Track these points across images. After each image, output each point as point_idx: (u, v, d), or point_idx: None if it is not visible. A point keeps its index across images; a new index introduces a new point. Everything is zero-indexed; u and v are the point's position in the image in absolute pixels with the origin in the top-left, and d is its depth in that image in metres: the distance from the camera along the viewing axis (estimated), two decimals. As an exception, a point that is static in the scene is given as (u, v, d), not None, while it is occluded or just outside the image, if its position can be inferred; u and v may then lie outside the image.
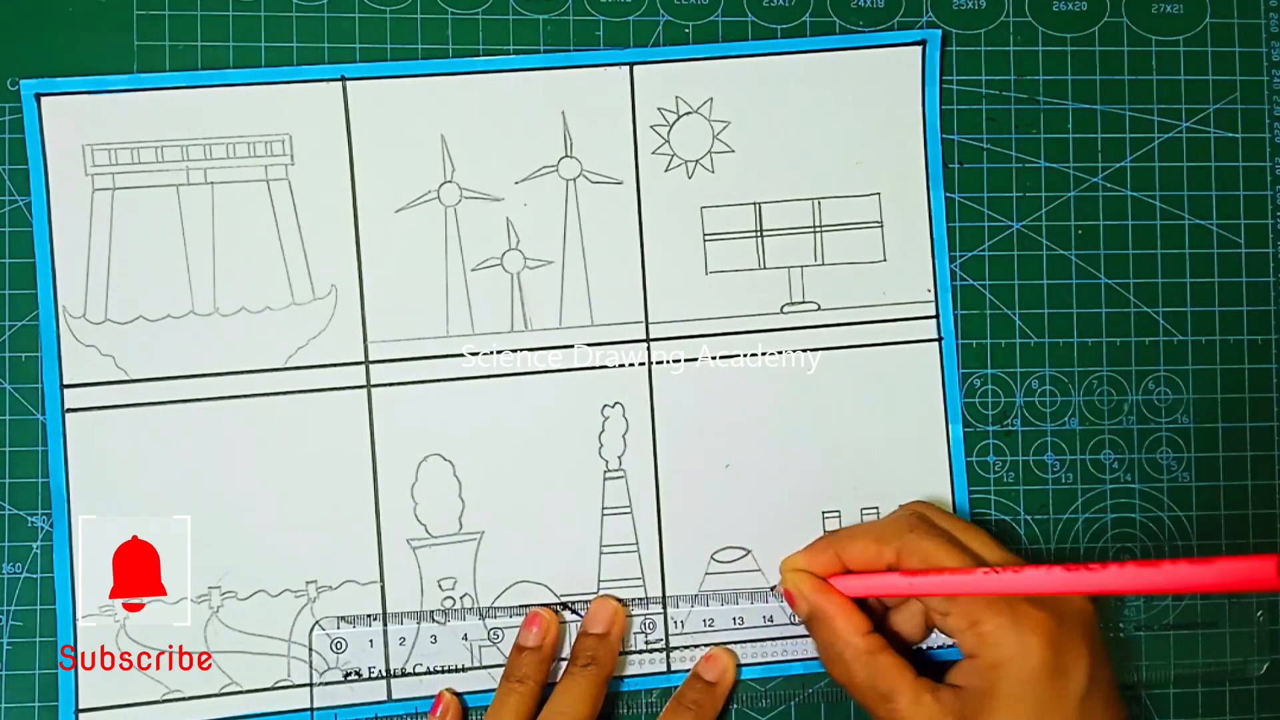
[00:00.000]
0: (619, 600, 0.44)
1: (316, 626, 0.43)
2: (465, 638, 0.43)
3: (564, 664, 0.43)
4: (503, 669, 0.43)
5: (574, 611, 0.43)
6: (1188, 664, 0.45)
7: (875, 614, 0.41)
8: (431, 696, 0.43)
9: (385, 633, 0.43)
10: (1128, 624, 0.45)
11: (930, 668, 0.39)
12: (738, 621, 0.44)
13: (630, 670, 0.44)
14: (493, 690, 0.43)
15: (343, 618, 0.43)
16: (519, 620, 0.43)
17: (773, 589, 0.44)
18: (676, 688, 0.44)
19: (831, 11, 0.45)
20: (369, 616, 0.43)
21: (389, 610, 0.43)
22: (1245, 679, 0.45)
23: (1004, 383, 0.46)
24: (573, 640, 0.43)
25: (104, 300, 0.43)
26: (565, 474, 0.44)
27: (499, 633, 0.43)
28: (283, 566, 0.43)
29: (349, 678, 0.43)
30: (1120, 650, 0.45)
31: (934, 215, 0.45)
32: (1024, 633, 0.36)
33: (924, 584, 0.38)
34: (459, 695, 0.43)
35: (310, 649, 0.43)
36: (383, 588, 0.43)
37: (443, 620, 0.43)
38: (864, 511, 0.45)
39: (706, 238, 0.45)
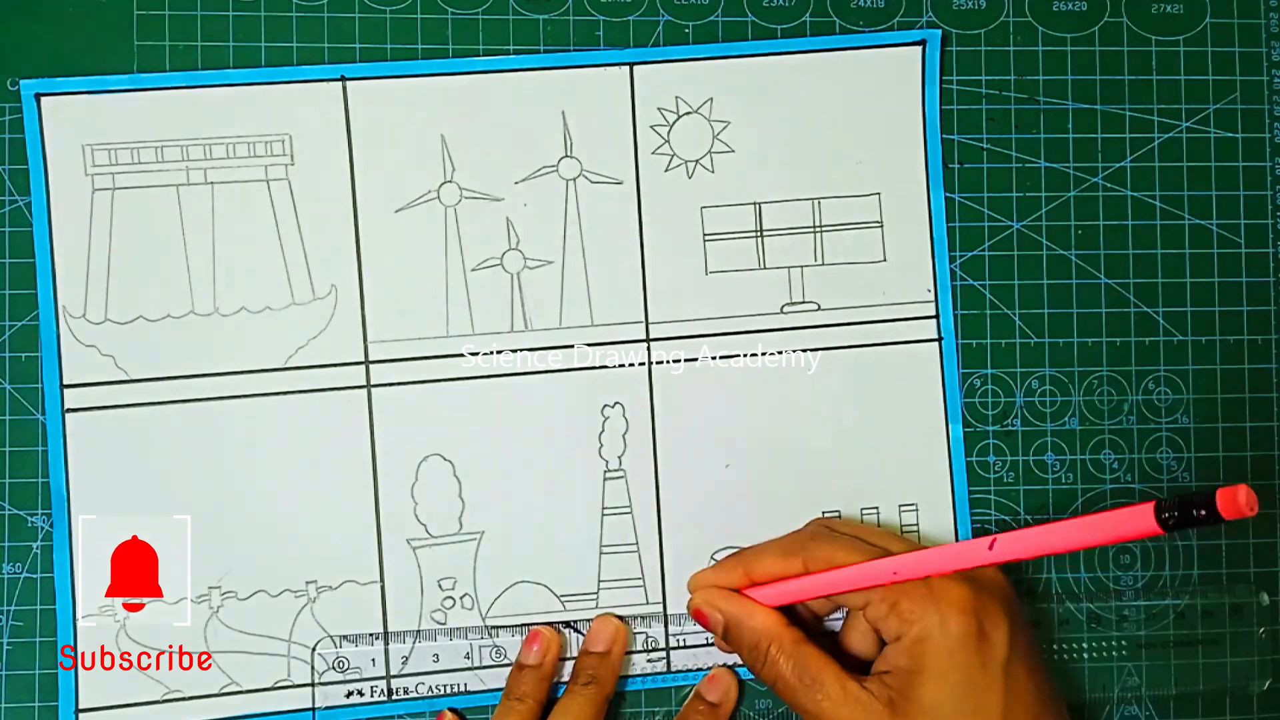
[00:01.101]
0: (621, 619, 0.44)
1: (317, 650, 0.43)
2: (467, 656, 0.43)
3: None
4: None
5: (576, 630, 0.43)
6: (1188, 683, 0.45)
7: (821, 637, 0.41)
8: (432, 699, 0.43)
9: (386, 652, 0.43)
10: (1130, 643, 0.45)
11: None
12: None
13: (631, 671, 0.44)
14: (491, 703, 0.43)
15: (345, 636, 0.43)
16: (520, 639, 0.43)
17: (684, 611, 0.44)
18: (677, 688, 0.44)
19: (831, 11, 0.45)
20: (371, 636, 0.43)
21: (390, 611, 0.43)
22: (1246, 694, 0.45)
23: (1004, 383, 0.46)
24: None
25: (104, 300, 0.43)
26: (565, 474, 0.44)
27: (501, 651, 0.43)
28: (283, 566, 0.43)
29: (350, 696, 0.43)
30: (1122, 665, 0.45)
31: (934, 215, 0.45)
32: (942, 606, 0.36)
33: (829, 580, 0.38)
34: (460, 714, 0.43)
35: (312, 668, 0.43)
36: (383, 588, 0.43)
37: (446, 637, 0.43)
38: (864, 511, 0.45)
39: (706, 238, 0.45)
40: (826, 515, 0.45)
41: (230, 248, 0.43)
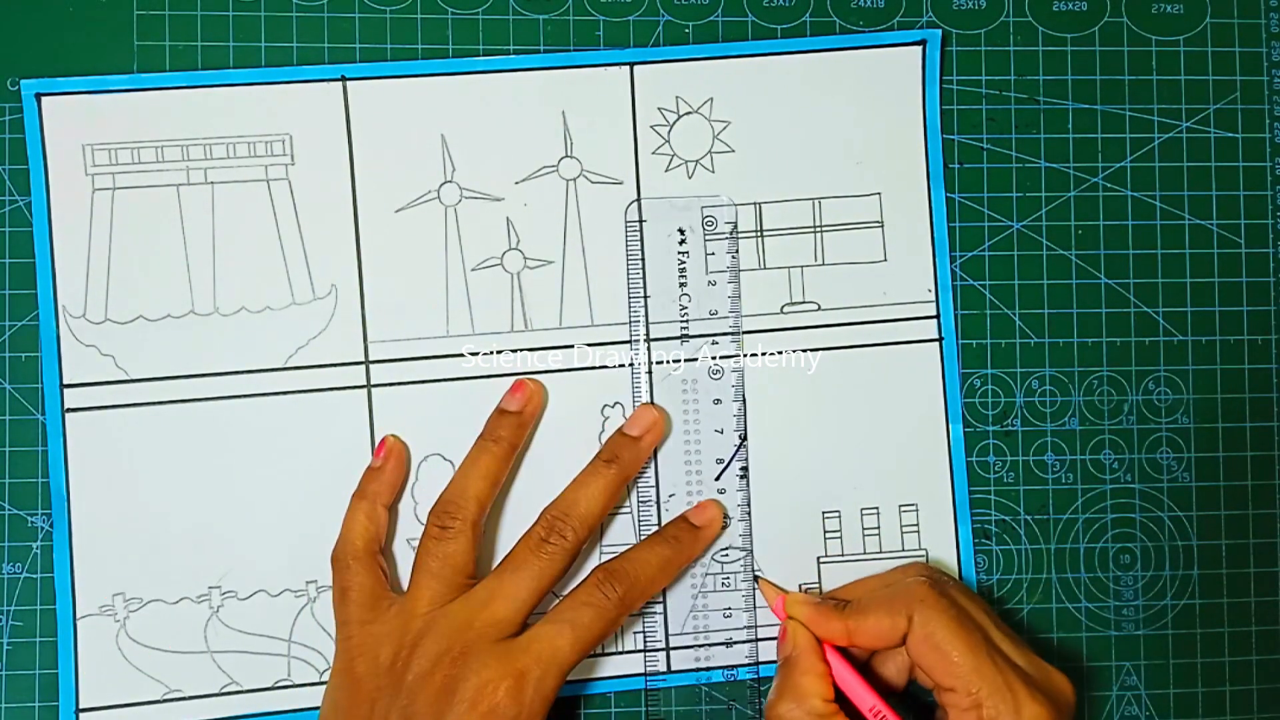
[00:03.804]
0: (664, 411, 0.44)
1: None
2: None
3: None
4: None
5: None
6: (1188, 683, 0.45)
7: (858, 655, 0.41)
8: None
9: None
10: (1129, 643, 0.45)
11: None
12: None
13: (630, 670, 0.44)
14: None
15: None
16: None
17: (755, 579, 0.44)
18: (678, 689, 0.44)
19: (831, 11, 0.45)
20: None
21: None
22: (1245, 679, 0.45)
23: (1004, 383, 0.46)
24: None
25: (104, 300, 0.43)
26: (565, 474, 0.44)
27: None
28: (283, 566, 0.43)
29: None
30: (1122, 665, 0.45)
31: (934, 215, 0.45)
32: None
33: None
34: (404, 443, 0.43)
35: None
36: (383, 588, 0.43)
37: None
38: (864, 511, 0.45)
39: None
40: (827, 514, 0.45)
41: (230, 248, 0.43)
